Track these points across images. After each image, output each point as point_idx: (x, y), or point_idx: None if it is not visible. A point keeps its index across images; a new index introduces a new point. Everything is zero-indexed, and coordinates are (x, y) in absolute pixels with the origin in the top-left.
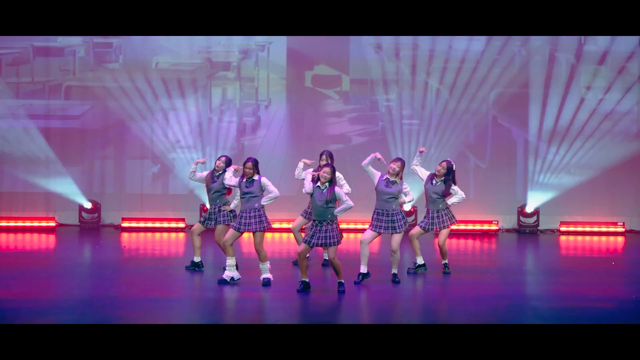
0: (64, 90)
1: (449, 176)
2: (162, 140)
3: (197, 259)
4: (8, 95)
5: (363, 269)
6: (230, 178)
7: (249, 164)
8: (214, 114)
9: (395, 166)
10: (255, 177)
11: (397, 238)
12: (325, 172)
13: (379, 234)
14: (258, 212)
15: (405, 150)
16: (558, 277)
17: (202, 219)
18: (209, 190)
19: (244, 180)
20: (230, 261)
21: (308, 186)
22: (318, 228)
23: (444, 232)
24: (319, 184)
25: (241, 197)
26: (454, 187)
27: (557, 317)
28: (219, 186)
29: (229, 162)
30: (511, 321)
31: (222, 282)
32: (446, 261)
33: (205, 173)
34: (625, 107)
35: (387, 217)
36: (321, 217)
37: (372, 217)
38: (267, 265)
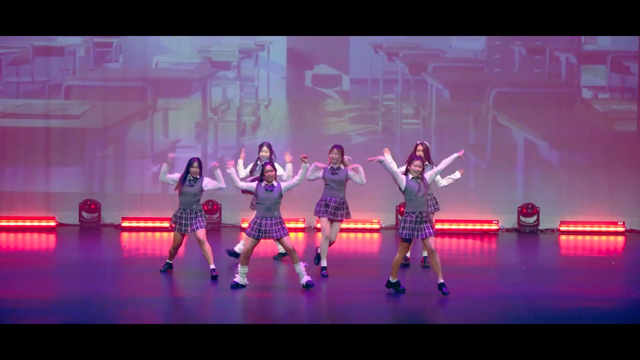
0: (64, 90)
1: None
2: (162, 140)
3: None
4: (8, 95)
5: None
6: (209, 181)
7: (269, 167)
8: (214, 114)
9: (334, 155)
10: (275, 183)
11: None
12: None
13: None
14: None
15: (405, 150)
16: (558, 277)
17: (176, 226)
18: (183, 194)
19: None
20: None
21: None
22: None
23: (432, 218)
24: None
25: (257, 204)
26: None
27: (557, 317)
28: (197, 190)
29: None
30: (511, 321)
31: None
32: (426, 254)
33: (176, 175)
34: (625, 107)
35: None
36: None
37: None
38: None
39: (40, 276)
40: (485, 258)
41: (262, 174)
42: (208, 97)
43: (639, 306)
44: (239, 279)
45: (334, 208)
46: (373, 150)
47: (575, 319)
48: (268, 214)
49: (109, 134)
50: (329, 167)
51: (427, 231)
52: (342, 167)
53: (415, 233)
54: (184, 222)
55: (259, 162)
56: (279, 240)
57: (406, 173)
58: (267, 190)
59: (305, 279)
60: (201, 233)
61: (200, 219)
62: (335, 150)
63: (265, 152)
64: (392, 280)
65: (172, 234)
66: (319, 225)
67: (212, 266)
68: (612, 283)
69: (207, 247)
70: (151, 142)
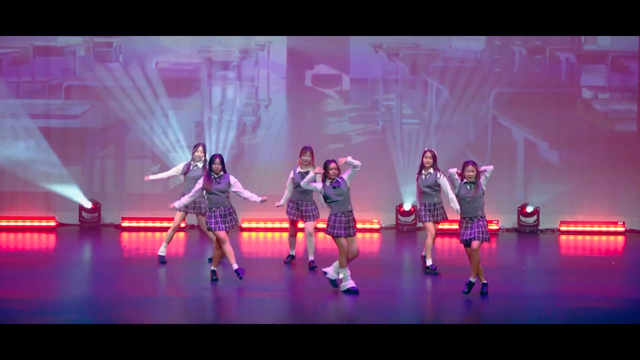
0: (64, 90)
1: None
2: (162, 139)
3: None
4: (8, 95)
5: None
6: (235, 182)
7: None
8: (214, 114)
9: (306, 157)
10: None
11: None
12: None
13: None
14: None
15: (405, 150)
16: (558, 277)
17: (216, 226)
18: (212, 193)
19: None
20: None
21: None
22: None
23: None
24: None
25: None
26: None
27: (558, 317)
28: (225, 186)
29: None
30: (511, 321)
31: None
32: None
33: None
34: (625, 107)
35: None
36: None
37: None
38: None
39: (40, 276)
40: (485, 258)
41: (327, 171)
42: (208, 97)
43: (639, 306)
44: (333, 274)
45: (304, 210)
46: (373, 150)
47: (575, 319)
48: (344, 207)
49: (109, 134)
50: (298, 172)
51: (469, 231)
52: (311, 170)
53: (464, 238)
54: (221, 219)
55: (192, 163)
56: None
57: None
58: (334, 187)
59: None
60: (224, 234)
61: (231, 217)
62: (308, 153)
63: (199, 153)
64: (472, 279)
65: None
66: (318, 225)
67: (236, 266)
68: (612, 283)
69: (228, 247)
70: (151, 142)
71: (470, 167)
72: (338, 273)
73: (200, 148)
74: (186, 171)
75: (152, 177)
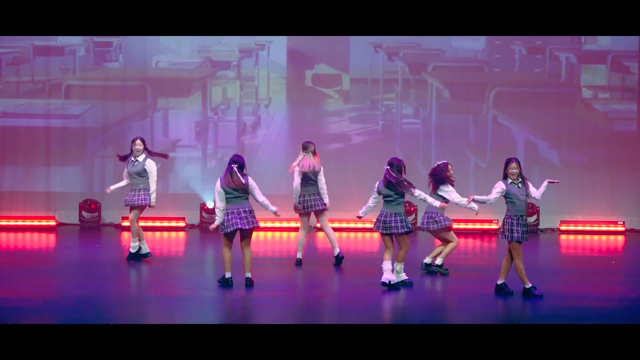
0: (64, 90)
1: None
2: (162, 139)
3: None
4: (8, 95)
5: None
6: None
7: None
8: (214, 114)
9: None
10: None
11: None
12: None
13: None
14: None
15: (405, 150)
16: (558, 277)
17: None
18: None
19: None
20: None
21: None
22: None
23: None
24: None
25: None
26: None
27: (557, 317)
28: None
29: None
30: (511, 321)
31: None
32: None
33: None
34: (625, 107)
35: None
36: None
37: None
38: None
39: (40, 276)
40: (485, 258)
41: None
42: (208, 96)
43: (639, 306)
44: (392, 276)
45: (315, 200)
46: (373, 149)
47: (575, 319)
48: (394, 209)
49: (109, 134)
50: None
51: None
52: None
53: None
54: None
55: (132, 158)
56: (397, 235)
57: (504, 178)
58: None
59: (403, 276)
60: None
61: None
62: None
63: (139, 146)
64: (527, 286)
65: (172, 233)
66: (318, 225)
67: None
68: (612, 283)
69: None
70: (151, 142)
71: (513, 165)
72: (397, 271)
73: (139, 141)
74: (128, 162)
75: (112, 187)
